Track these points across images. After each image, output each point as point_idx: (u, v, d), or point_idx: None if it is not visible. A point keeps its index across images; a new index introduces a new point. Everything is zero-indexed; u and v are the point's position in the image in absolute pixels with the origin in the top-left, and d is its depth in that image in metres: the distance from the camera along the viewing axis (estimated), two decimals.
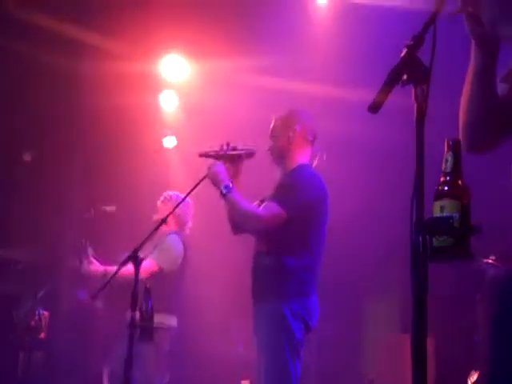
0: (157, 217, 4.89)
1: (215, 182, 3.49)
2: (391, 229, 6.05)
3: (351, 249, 5.18)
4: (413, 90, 1.87)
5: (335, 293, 5.48)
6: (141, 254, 4.82)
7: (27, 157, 7.12)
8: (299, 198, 3.41)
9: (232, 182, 3.49)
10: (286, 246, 3.44)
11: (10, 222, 6.70)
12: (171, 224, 4.98)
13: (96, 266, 4.76)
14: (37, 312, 5.55)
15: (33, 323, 5.52)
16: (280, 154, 3.59)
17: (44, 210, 6.57)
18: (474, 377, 5.26)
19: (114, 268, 4.63)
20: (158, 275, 4.67)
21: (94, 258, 4.81)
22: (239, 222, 3.56)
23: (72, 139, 6.62)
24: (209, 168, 3.54)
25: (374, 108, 1.84)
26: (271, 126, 3.69)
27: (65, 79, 6.21)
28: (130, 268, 3.78)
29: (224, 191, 3.43)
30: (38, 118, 6.52)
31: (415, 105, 1.87)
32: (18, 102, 6.43)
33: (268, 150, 3.64)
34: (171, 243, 4.94)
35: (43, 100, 6.36)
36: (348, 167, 5.55)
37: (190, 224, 5.10)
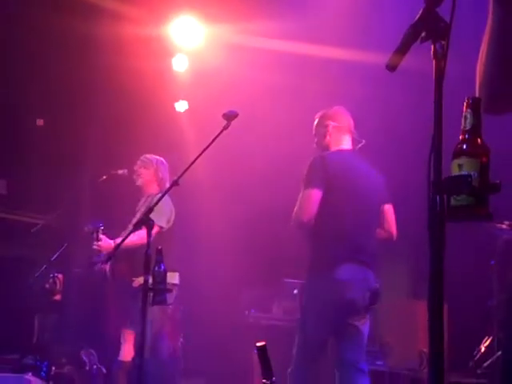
0: (139, 182, 4.98)
1: None
2: (403, 190, 6.04)
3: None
4: (432, 47, 1.83)
5: None
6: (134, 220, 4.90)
7: (40, 122, 7.13)
8: None
9: None
10: None
11: (25, 186, 6.73)
12: (153, 187, 5.12)
13: (106, 243, 4.80)
14: (51, 275, 5.60)
15: (47, 286, 5.57)
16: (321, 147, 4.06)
17: (58, 173, 6.60)
18: (488, 342, 5.28)
19: (127, 241, 4.73)
20: (158, 235, 4.67)
21: (104, 234, 4.84)
22: None
23: (85, 104, 6.59)
24: None
25: (392, 66, 1.81)
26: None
27: (78, 44, 6.17)
28: (132, 237, 3.99)
29: None
30: (52, 83, 6.50)
31: (434, 62, 1.82)
32: (32, 67, 6.41)
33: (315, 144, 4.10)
34: (163, 203, 4.89)
35: (57, 65, 6.34)
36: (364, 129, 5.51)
37: (167, 185, 5.13)
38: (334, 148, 3.99)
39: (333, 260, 3.74)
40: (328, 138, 3.99)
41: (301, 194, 3.78)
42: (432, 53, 1.82)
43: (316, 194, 3.73)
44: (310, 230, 3.79)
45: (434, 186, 1.75)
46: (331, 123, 3.99)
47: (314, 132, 4.10)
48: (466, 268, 5.56)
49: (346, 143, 4.02)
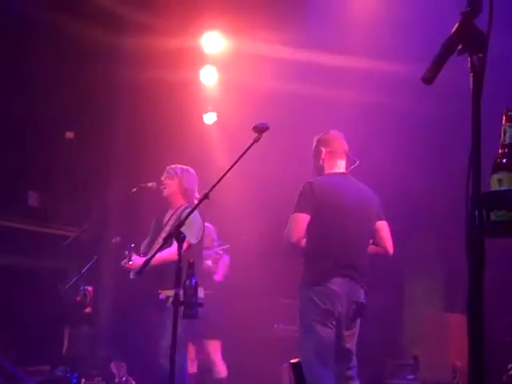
0: (165, 193, 4.95)
1: None
2: (435, 200, 5.97)
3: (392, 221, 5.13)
4: (469, 60, 1.80)
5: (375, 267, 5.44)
6: (163, 234, 4.88)
7: (69, 135, 7.18)
8: None
9: None
10: None
11: (57, 198, 6.78)
12: (179, 197, 5.00)
13: (138, 261, 4.75)
14: (82, 287, 5.62)
15: (78, 298, 5.59)
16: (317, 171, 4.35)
17: (88, 186, 6.63)
18: None
19: (156, 257, 4.73)
20: (187, 250, 4.63)
21: (135, 253, 4.81)
22: None
23: (113, 116, 6.64)
24: None
25: (429, 79, 1.78)
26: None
27: (106, 56, 6.22)
28: (162, 253, 4.08)
29: None
30: (81, 95, 6.54)
31: (471, 75, 1.80)
32: (60, 80, 6.47)
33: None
34: (192, 218, 4.84)
35: (84, 77, 6.38)
36: (391, 140, 5.49)
37: (196, 195, 5.05)
38: (327, 171, 4.28)
39: (320, 274, 4.00)
40: (321, 162, 4.29)
41: (291, 217, 4.08)
42: (469, 66, 1.80)
43: (303, 218, 4.05)
44: (301, 249, 4.07)
45: (473, 200, 1.72)
46: (324, 149, 4.28)
47: (311, 155, 4.37)
48: (497, 280, 5.49)
49: (339, 166, 4.30)
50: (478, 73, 1.78)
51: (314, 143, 4.35)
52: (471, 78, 1.79)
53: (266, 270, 6.59)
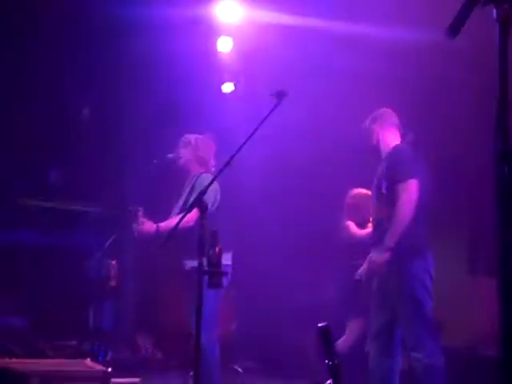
0: (182, 161, 4.94)
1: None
2: (461, 164, 5.90)
3: None
4: (494, 11, 1.75)
5: None
6: (180, 202, 4.86)
7: (86, 112, 7.19)
8: None
9: None
10: None
11: (78, 176, 6.81)
12: (195, 166, 4.96)
13: (148, 226, 4.75)
14: (105, 261, 5.66)
15: (102, 272, 5.64)
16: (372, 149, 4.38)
17: (108, 162, 6.65)
18: None
19: (165, 223, 4.73)
20: (204, 218, 4.58)
21: (145, 218, 4.81)
22: None
23: (131, 88, 6.61)
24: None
25: (454, 30, 1.74)
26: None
27: (123, 27, 6.18)
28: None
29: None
30: (94, 71, 6.53)
31: (498, 26, 1.75)
32: (76, 54, 6.45)
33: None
34: (206, 181, 4.79)
35: (99, 51, 6.36)
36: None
37: (212, 162, 5.01)
38: (384, 147, 4.30)
39: (421, 243, 4.11)
40: (376, 139, 4.34)
41: (408, 183, 4.03)
42: (495, 16, 1.75)
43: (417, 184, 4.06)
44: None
45: (502, 156, 1.68)
46: (376, 127, 4.34)
47: (365, 134, 4.40)
48: None
49: (397, 139, 4.35)
50: (505, 23, 1.73)
51: (367, 123, 4.39)
52: (498, 29, 1.74)
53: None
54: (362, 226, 5.33)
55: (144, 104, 6.69)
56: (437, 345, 4.04)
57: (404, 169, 4.07)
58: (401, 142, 4.33)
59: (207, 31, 6.47)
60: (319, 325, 2.14)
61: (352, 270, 4.62)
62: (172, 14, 6.06)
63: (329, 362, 2.22)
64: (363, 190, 5.29)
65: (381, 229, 4.13)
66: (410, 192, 4.01)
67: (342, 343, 5.19)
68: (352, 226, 5.38)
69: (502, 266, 1.68)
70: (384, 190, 4.15)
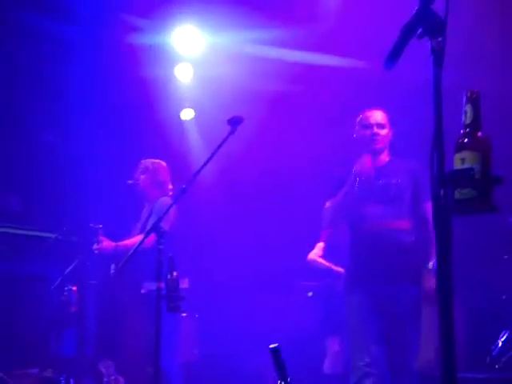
0: (140, 186, 5.06)
1: None
2: None
3: None
4: (429, 44, 1.85)
5: None
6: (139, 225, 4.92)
7: (48, 136, 7.16)
8: None
9: None
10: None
11: (37, 200, 6.77)
12: (154, 191, 5.07)
13: (107, 244, 4.84)
14: (66, 287, 5.63)
15: (63, 298, 5.61)
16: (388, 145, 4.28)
17: (67, 186, 6.63)
18: (505, 336, 5.25)
19: (124, 242, 4.79)
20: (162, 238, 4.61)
21: (105, 237, 4.88)
22: None
23: (90, 114, 6.62)
24: None
25: (390, 63, 1.83)
26: (382, 118, 4.26)
27: (82, 51, 6.20)
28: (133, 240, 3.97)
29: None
30: (54, 96, 6.53)
31: (432, 58, 1.85)
32: (32, 75, 6.44)
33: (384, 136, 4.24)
34: (164, 205, 4.77)
35: (58, 76, 6.38)
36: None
37: (170, 186, 5.10)
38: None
39: None
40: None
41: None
42: (430, 49, 1.85)
43: None
44: None
45: (438, 179, 1.77)
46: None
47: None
48: (479, 263, 5.55)
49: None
50: (438, 56, 1.83)
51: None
52: (432, 61, 1.84)
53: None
54: None
55: (103, 129, 6.70)
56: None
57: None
58: None
59: (167, 57, 6.54)
60: (270, 346, 2.19)
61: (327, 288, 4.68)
62: (131, 39, 6.13)
63: (281, 382, 2.27)
64: None
65: (398, 237, 4.05)
66: None
67: (328, 367, 5.14)
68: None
69: (440, 291, 1.75)
70: (407, 199, 4.09)
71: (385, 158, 4.25)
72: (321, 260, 4.98)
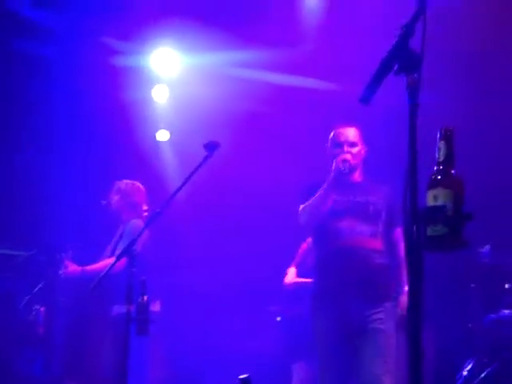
0: (113, 207, 5.05)
1: None
2: None
3: None
4: (405, 79, 1.87)
5: None
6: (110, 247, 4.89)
7: (24, 155, 7.10)
8: None
9: None
10: None
11: (8, 218, 6.68)
12: (126, 212, 5.02)
13: (73, 269, 4.81)
14: (33, 307, 5.55)
15: (30, 318, 5.53)
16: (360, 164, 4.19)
17: (41, 205, 6.57)
18: (469, 366, 5.26)
19: (91, 266, 4.79)
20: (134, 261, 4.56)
21: (72, 261, 4.86)
22: None
23: (64, 136, 6.59)
24: None
25: (366, 99, 1.85)
26: (354, 136, 4.17)
27: (58, 74, 6.19)
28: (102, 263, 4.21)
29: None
30: (32, 115, 6.50)
31: (408, 94, 1.86)
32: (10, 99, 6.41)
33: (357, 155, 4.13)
34: (134, 228, 4.78)
35: (34, 97, 6.35)
36: None
37: (144, 207, 5.06)
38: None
39: None
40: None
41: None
42: (406, 85, 1.87)
43: None
44: None
45: (411, 216, 1.78)
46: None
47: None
48: (444, 291, 5.59)
49: None
50: (414, 92, 1.85)
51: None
52: (408, 97, 1.86)
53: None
54: None
55: (79, 149, 6.66)
56: None
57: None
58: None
59: (144, 79, 6.54)
60: (240, 376, 2.18)
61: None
62: (109, 60, 6.12)
63: None
64: None
65: (371, 257, 3.94)
66: None
67: None
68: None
69: (409, 322, 1.76)
70: (382, 220, 4.02)
71: (358, 177, 4.15)
72: (299, 279, 4.96)
